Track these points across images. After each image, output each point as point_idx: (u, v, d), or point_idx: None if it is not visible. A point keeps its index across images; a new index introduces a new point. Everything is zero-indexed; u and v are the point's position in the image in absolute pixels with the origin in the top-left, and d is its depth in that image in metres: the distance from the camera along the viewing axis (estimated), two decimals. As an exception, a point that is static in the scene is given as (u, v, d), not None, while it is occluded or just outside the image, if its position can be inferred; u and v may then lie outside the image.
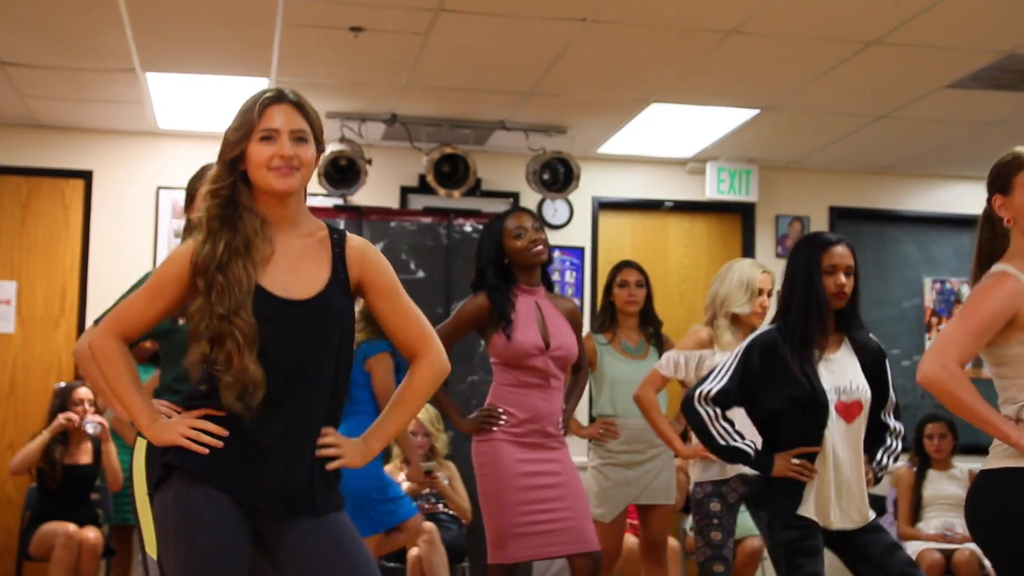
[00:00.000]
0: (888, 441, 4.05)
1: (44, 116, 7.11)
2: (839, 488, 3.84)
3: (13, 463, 6.36)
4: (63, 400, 6.43)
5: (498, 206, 7.64)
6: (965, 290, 8.05)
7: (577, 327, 4.69)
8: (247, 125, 2.70)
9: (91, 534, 6.25)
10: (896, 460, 4.10)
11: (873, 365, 3.96)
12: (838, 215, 8.11)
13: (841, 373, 3.87)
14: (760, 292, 4.96)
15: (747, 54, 5.70)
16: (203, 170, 3.70)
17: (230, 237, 2.68)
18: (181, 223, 7.32)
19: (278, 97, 2.73)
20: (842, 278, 3.88)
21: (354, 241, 2.81)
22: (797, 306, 3.89)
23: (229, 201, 2.72)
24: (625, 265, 5.68)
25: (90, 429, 6.31)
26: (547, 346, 4.45)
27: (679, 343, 5.11)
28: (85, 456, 6.46)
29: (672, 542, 6.46)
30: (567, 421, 4.67)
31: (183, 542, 2.65)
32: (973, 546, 6.54)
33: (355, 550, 2.74)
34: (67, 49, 5.83)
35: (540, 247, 4.50)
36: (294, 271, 2.72)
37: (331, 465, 2.74)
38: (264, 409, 2.65)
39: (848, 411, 3.85)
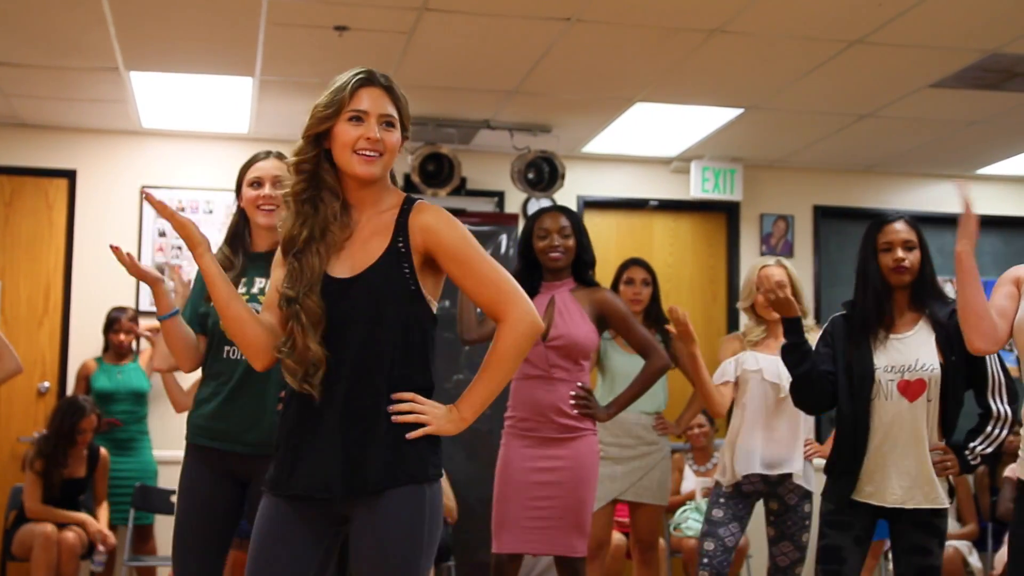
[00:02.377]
0: (988, 428, 3.92)
1: (27, 115, 7.08)
2: (893, 467, 3.89)
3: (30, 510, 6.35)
4: (73, 421, 6.31)
5: (483, 205, 7.66)
6: (949, 288, 8.08)
7: (614, 316, 4.60)
8: (337, 104, 2.70)
9: (70, 535, 6.22)
10: (997, 447, 3.94)
11: (958, 340, 3.82)
12: (822, 214, 8.13)
13: (907, 351, 3.92)
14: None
15: (731, 53, 5.71)
16: (252, 159, 3.72)
17: (312, 221, 2.70)
18: (165, 223, 7.32)
19: (370, 79, 2.74)
20: (899, 252, 3.95)
21: (420, 208, 2.74)
22: (857, 288, 4.06)
23: (313, 176, 2.72)
24: (632, 263, 5.69)
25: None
26: (544, 336, 4.45)
27: (720, 354, 5.06)
28: (80, 469, 6.44)
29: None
30: (616, 406, 4.63)
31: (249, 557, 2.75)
32: (958, 543, 6.57)
33: (394, 549, 2.65)
34: (50, 48, 5.81)
35: (557, 254, 4.55)
36: (362, 249, 2.72)
37: (416, 433, 2.65)
38: (322, 392, 2.66)
39: (910, 389, 3.87)
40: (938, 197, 8.21)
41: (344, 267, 2.71)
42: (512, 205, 7.71)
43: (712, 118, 6.95)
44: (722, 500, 4.82)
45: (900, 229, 4.02)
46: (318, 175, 2.72)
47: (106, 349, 6.98)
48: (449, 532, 6.31)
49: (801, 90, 6.28)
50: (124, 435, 6.76)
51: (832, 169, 8.16)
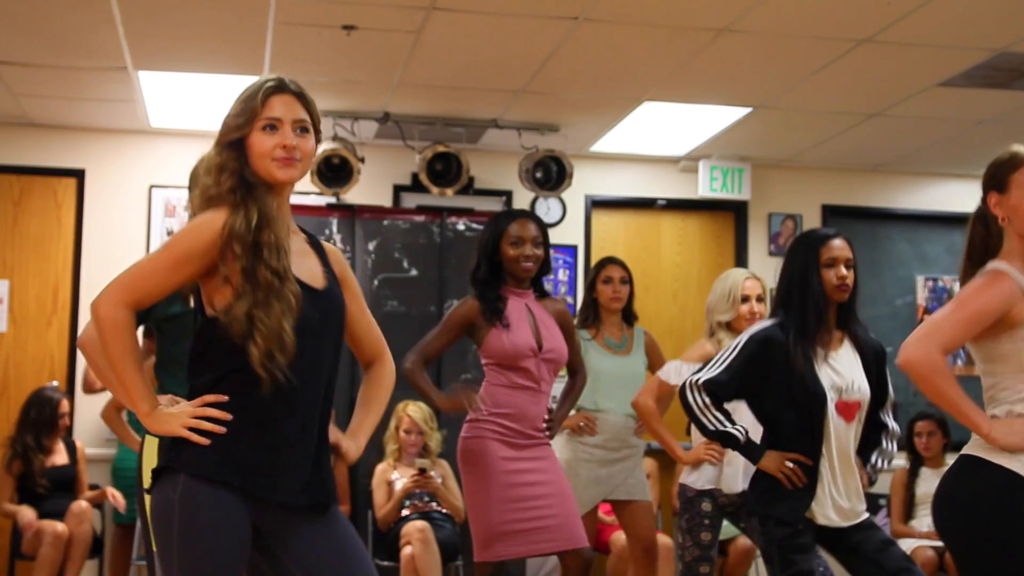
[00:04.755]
0: (884, 443, 4.02)
1: (36, 114, 7.10)
2: (837, 486, 3.84)
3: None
4: (52, 408, 6.52)
5: (491, 204, 7.65)
6: (957, 288, 8.07)
7: (569, 329, 4.72)
8: (249, 112, 2.71)
9: (84, 527, 6.30)
10: (890, 463, 4.07)
11: (873, 362, 3.93)
12: (830, 213, 8.12)
13: (843, 372, 3.85)
14: (746, 299, 4.94)
15: (739, 52, 5.70)
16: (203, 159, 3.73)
17: (259, 207, 2.66)
18: (174, 222, 7.35)
19: (280, 87, 2.76)
20: (843, 270, 3.88)
21: (326, 244, 2.89)
22: (797, 302, 3.86)
23: (241, 176, 2.69)
24: (609, 262, 5.66)
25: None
26: (539, 348, 4.48)
27: (684, 354, 5.09)
28: (61, 457, 6.59)
29: (666, 540, 6.46)
30: (559, 422, 4.67)
31: (187, 548, 2.60)
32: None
33: (355, 550, 2.74)
34: (59, 47, 5.82)
35: (530, 264, 4.54)
36: (301, 262, 2.73)
37: (338, 462, 2.78)
38: (283, 398, 2.63)
39: (848, 410, 3.84)
40: (946, 196, 8.19)
41: (298, 273, 2.70)
42: (520, 204, 7.70)
43: (720, 117, 6.94)
44: (707, 522, 4.87)
45: (843, 247, 3.94)
46: (243, 175, 2.70)
47: None
48: (457, 532, 6.32)
49: (809, 89, 6.27)
50: (141, 434, 6.78)
51: (840, 168, 8.15)
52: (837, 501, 3.84)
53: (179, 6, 5.25)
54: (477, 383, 4.59)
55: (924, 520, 6.77)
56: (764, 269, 6.91)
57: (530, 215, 4.71)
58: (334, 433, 2.79)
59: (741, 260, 8.07)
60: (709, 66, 5.91)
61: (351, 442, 2.85)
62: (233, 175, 2.69)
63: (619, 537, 6.25)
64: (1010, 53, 5.62)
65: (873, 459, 4.01)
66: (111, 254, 7.21)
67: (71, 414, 6.63)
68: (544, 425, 4.54)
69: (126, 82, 6.36)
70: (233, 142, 2.71)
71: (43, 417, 6.51)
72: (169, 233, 7.31)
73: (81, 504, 6.43)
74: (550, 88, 6.40)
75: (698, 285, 8.11)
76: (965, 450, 3.16)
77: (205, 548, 2.59)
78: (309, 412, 2.68)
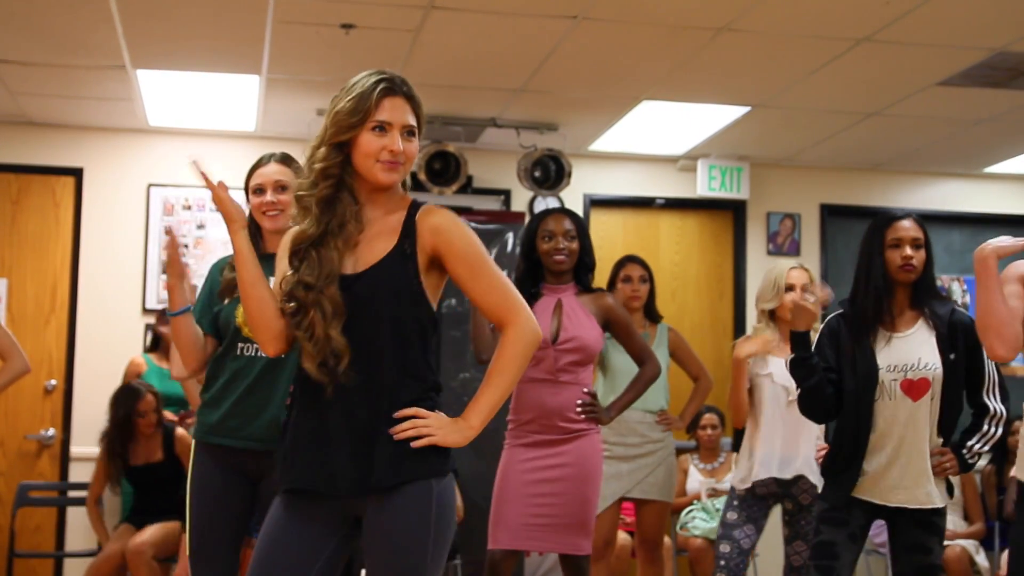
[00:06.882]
0: (984, 427, 3.97)
1: (34, 113, 7.09)
2: (895, 466, 3.89)
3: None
4: (129, 406, 6.20)
5: (490, 203, 7.65)
6: (956, 287, 8.07)
7: (618, 321, 4.62)
8: (362, 113, 2.71)
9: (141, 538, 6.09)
10: (993, 445, 3.98)
11: (962, 339, 3.91)
12: (829, 212, 8.12)
13: (909, 350, 3.91)
14: (791, 288, 4.91)
15: (738, 51, 5.70)
16: (256, 164, 3.75)
17: (329, 219, 2.72)
18: (172, 220, 7.34)
19: (394, 89, 2.76)
20: (908, 250, 3.95)
21: (430, 210, 2.78)
22: (859, 284, 4.01)
23: (339, 181, 2.74)
24: (629, 260, 5.67)
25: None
26: (555, 339, 4.45)
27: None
28: (156, 452, 6.31)
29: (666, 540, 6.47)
30: (614, 410, 4.62)
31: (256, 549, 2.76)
32: (965, 543, 6.57)
33: (401, 545, 2.67)
34: (57, 46, 5.82)
35: (561, 257, 4.54)
36: (368, 247, 2.74)
37: (420, 443, 2.65)
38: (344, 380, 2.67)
39: (914, 388, 3.88)
40: (945, 196, 8.20)
41: (348, 264, 2.73)
42: (518, 203, 7.71)
43: (719, 116, 6.94)
44: (736, 503, 4.86)
45: (909, 227, 4.01)
46: (343, 179, 2.75)
47: (154, 348, 6.91)
48: (455, 530, 6.30)
49: (808, 88, 6.27)
50: None
51: (839, 167, 8.15)
52: (900, 482, 3.90)
53: (178, 5, 5.24)
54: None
55: None
56: (763, 268, 6.91)
57: (564, 210, 4.71)
58: (415, 413, 2.69)
59: (740, 259, 8.07)
60: (708, 65, 5.91)
61: (452, 424, 2.70)
62: (333, 183, 2.74)
63: (619, 537, 6.25)
64: (1009, 52, 5.62)
65: (972, 442, 3.97)
66: (109, 253, 7.22)
67: (141, 411, 6.22)
68: (580, 412, 4.44)
69: (124, 81, 6.36)
70: (341, 143, 2.73)
71: (118, 418, 6.22)
72: (168, 232, 7.30)
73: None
74: (549, 87, 6.40)
75: (696, 284, 8.12)
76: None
77: (255, 555, 2.77)
78: (356, 398, 2.67)
